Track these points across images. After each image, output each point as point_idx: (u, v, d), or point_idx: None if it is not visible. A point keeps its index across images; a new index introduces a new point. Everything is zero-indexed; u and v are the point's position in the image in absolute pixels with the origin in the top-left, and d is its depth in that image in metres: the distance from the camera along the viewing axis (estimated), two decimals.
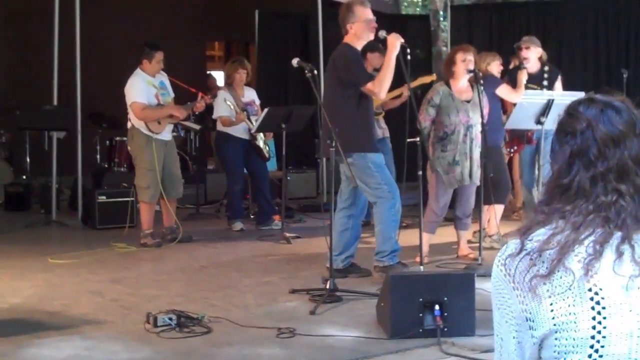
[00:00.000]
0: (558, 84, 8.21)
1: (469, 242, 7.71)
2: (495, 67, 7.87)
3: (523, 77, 7.86)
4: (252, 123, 9.09)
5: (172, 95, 8.52)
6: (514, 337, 1.84)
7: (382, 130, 9.05)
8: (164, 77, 8.48)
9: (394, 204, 6.50)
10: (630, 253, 1.77)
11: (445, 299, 4.95)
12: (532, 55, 8.14)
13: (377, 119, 9.13)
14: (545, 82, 8.18)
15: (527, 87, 7.86)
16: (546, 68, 8.24)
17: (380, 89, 6.42)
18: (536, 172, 7.91)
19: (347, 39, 6.58)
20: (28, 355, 4.70)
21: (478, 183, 7.07)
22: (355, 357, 4.66)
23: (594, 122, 1.86)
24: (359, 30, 6.52)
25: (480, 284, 5.24)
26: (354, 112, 6.47)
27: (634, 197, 1.82)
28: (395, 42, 6.37)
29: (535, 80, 8.11)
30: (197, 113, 9.18)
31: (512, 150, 8.25)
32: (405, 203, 9.94)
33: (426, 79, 8.98)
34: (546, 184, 1.94)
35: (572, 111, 1.92)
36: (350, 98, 6.47)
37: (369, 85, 6.43)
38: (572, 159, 1.87)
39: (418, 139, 6.63)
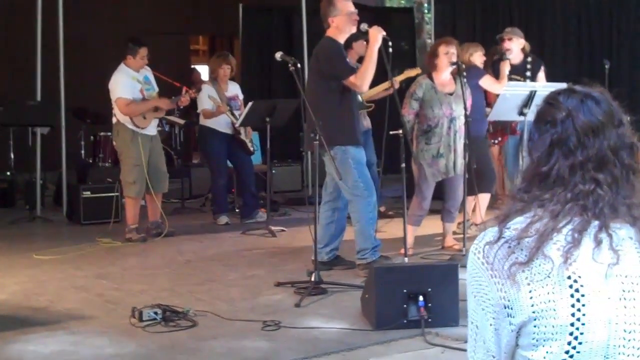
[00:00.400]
0: (541, 74, 8.24)
1: (454, 233, 7.74)
2: (478, 57, 7.89)
3: (506, 69, 7.90)
4: (235, 117, 9.10)
5: (157, 89, 8.51)
6: (490, 325, 1.85)
7: (365, 122, 9.08)
8: (148, 72, 8.47)
9: (369, 202, 6.52)
10: (609, 241, 1.78)
11: (429, 289, 4.98)
12: (515, 47, 8.16)
13: (364, 112, 9.16)
14: (528, 73, 8.20)
15: (510, 79, 7.89)
16: (529, 59, 8.27)
17: (363, 81, 6.43)
18: (520, 162, 7.94)
19: (329, 33, 6.59)
20: (14, 351, 4.71)
21: (462, 175, 7.09)
22: (340, 348, 4.69)
23: (574, 112, 1.88)
24: (341, 24, 6.53)
25: (464, 275, 5.22)
26: (336, 105, 6.48)
27: (612, 187, 1.84)
28: (377, 34, 6.38)
29: (518, 72, 8.14)
30: (181, 107, 9.17)
31: (495, 141, 8.28)
32: (389, 195, 10.04)
33: (411, 73, 8.99)
34: (524, 172, 1.96)
35: (551, 101, 1.94)
36: (333, 91, 6.48)
37: (351, 79, 6.44)
38: (551, 148, 1.88)
39: (400, 131, 6.65)
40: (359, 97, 8.91)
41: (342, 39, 6.62)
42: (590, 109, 1.88)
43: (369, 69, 6.42)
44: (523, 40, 8.26)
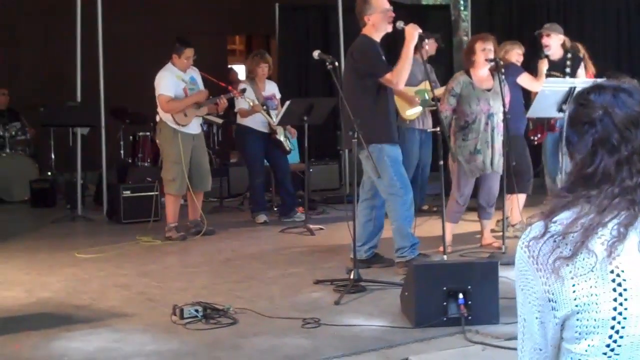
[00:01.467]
0: (581, 70, 8.16)
1: (492, 231, 7.71)
2: (514, 55, 7.84)
3: (543, 67, 7.84)
4: (271, 117, 9.14)
5: (203, 90, 8.57)
6: (536, 318, 1.86)
7: (427, 121, 9.10)
8: (195, 73, 8.53)
9: (406, 200, 6.50)
10: None
11: (469, 287, 4.97)
12: (554, 43, 8.10)
13: (428, 110, 9.14)
14: (567, 70, 8.13)
15: (549, 75, 7.83)
16: (569, 55, 8.19)
17: (399, 79, 6.43)
18: (560, 159, 7.87)
19: (365, 31, 6.59)
20: (58, 348, 4.77)
21: (500, 172, 7.05)
22: (380, 346, 4.69)
23: (610, 108, 1.86)
24: (377, 21, 6.53)
25: (503, 273, 5.24)
26: (372, 103, 6.48)
27: None
28: (413, 32, 6.38)
29: (557, 68, 8.08)
30: (221, 113, 9.24)
31: (535, 138, 8.22)
32: (429, 192, 10.01)
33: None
34: (569, 174, 1.94)
35: (583, 101, 1.92)
36: (369, 89, 6.48)
37: (388, 76, 6.44)
38: (594, 148, 1.87)
39: (439, 128, 6.63)
40: (426, 95, 8.91)
41: (378, 37, 6.61)
42: (625, 102, 1.87)
43: (405, 66, 6.41)
44: (562, 36, 8.18)
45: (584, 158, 1.89)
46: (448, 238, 6.97)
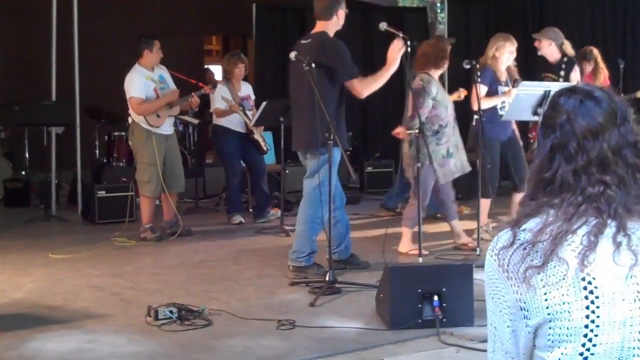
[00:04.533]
0: (574, 74, 8.27)
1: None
2: (505, 53, 7.58)
3: (506, 97, 7.50)
4: (248, 117, 9.14)
5: (173, 88, 8.53)
6: (508, 326, 1.87)
7: None
8: (163, 71, 8.49)
9: (320, 213, 6.32)
10: (627, 243, 1.79)
11: (444, 289, 4.99)
12: (544, 47, 8.24)
13: None
14: (562, 72, 8.25)
15: (546, 77, 7.94)
16: (565, 59, 8.32)
17: (364, 90, 6.41)
18: None
19: (327, 28, 6.50)
20: (31, 349, 4.74)
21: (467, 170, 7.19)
22: (355, 347, 4.70)
23: (572, 115, 1.87)
24: (341, 17, 6.52)
25: (478, 275, 5.26)
26: (334, 103, 6.38)
27: (620, 187, 1.83)
28: (396, 56, 6.32)
29: (553, 70, 8.20)
30: (194, 110, 9.21)
31: (531, 135, 8.32)
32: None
33: (455, 97, 8.74)
34: (529, 178, 1.95)
35: (554, 104, 1.93)
36: (332, 90, 6.38)
37: (355, 82, 6.37)
38: (552, 153, 1.88)
39: (417, 130, 6.65)
40: None
41: (333, 35, 6.55)
42: (589, 110, 1.86)
43: (377, 84, 6.39)
44: (551, 40, 8.27)
45: (542, 161, 1.90)
46: (409, 241, 7.01)
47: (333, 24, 6.52)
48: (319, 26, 6.56)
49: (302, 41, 6.60)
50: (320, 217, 6.37)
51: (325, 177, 6.30)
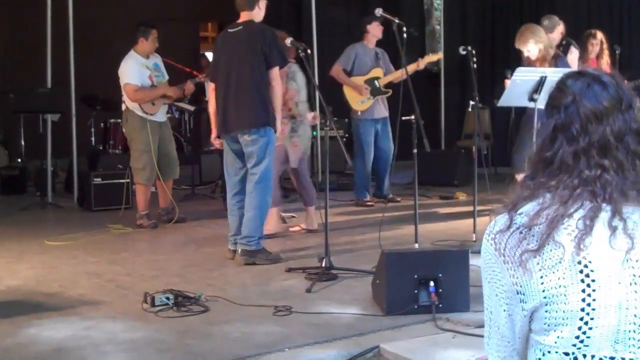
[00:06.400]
0: (570, 55, 8.31)
1: None
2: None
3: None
4: None
5: (167, 77, 8.53)
6: (504, 310, 1.87)
7: (383, 108, 9.18)
8: (157, 59, 8.49)
9: (270, 196, 6.58)
10: (622, 227, 1.79)
11: (440, 275, 4.99)
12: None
13: (382, 98, 9.21)
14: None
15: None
16: (564, 42, 8.37)
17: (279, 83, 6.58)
18: None
19: (251, 17, 6.61)
20: (28, 336, 4.74)
21: None
22: (351, 333, 4.70)
23: (578, 97, 1.87)
24: (263, 8, 6.66)
25: (474, 261, 5.25)
26: (267, 85, 6.51)
27: (618, 172, 1.84)
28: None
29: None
30: (188, 96, 9.19)
31: None
32: (399, 182, 10.04)
33: (434, 57, 9.03)
34: (529, 158, 1.96)
35: (560, 85, 1.94)
36: (265, 73, 6.50)
37: (281, 72, 6.59)
38: (555, 133, 1.89)
39: (413, 117, 6.64)
40: (376, 83, 8.95)
41: None
42: (595, 93, 1.87)
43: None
44: (542, 35, 8.24)
45: (544, 140, 1.90)
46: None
47: (257, 14, 6.63)
48: (245, 16, 6.65)
49: (230, 30, 6.69)
50: (268, 203, 6.54)
51: (271, 160, 6.49)
